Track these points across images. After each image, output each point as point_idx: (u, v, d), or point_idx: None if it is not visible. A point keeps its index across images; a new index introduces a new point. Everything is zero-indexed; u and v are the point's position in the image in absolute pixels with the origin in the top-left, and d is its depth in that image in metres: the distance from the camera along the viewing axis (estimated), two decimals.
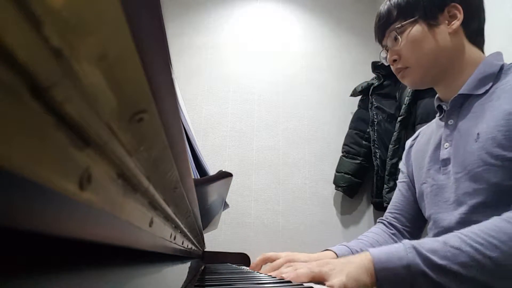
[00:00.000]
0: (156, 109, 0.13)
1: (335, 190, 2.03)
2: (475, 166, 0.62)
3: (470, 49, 0.71)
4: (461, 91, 0.69)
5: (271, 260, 0.78)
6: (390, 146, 1.78)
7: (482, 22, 0.74)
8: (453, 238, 0.53)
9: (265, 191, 2.00)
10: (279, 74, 2.22)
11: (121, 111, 0.11)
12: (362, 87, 2.04)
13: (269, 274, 0.65)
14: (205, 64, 2.18)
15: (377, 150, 1.88)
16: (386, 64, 0.81)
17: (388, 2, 0.76)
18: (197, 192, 0.37)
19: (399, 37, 0.73)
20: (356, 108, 2.09)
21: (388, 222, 0.89)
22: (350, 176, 1.96)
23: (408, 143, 0.91)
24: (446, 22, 0.71)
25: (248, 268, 0.94)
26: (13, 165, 0.07)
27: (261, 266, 0.81)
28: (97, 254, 0.15)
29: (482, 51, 0.74)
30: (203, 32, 2.24)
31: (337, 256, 0.78)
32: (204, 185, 0.56)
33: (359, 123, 2.03)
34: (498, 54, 0.71)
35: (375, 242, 0.84)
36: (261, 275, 0.64)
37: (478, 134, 0.63)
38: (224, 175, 0.58)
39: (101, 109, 0.10)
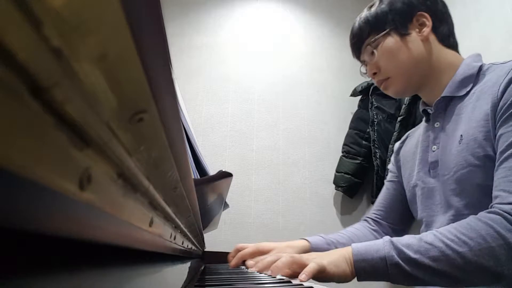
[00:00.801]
0: (156, 109, 0.13)
1: (335, 190, 2.03)
2: (460, 167, 0.64)
3: (445, 52, 0.74)
4: (443, 94, 0.71)
5: (242, 250, 0.81)
6: (390, 146, 1.78)
7: (451, 26, 0.77)
8: (429, 235, 0.56)
9: (265, 191, 2.00)
10: (279, 74, 2.22)
11: (121, 111, 0.11)
12: (362, 87, 2.04)
13: (245, 261, 0.70)
14: (205, 64, 2.18)
15: (377, 150, 1.88)
16: (367, 78, 0.84)
17: (358, 19, 0.80)
18: (197, 192, 0.37)
19: (374, 51, 0.76)
20: (356, 108, 2.09)
21: (371, 219, 0.91)
22: (350, 176, 1.96)
23: (396, 145, 0.93)
24: (417, 30, 0.74)
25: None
26: (13, 165, 0.07)
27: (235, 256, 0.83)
28: (97, 254, 0.15)
29: (457, 52, 0.76)
30: (203, 32, 2.24)
31: (311, 245, 0.81)
32: (204, 185, 0.56)
33: (359, 123, 2.02)
34: (477, 56, 0.72)
35: (353, 236, 0.86)
36: (261, 275, 0.64)
37: (461, 136, 0.65)
38: (224, 175, 0.58)
39: (101, 109, 0.10)
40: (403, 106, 1.73)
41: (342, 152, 2.03)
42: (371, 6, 0.78)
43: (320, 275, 0.57)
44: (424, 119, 0.81)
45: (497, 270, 0.51)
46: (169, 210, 0.26)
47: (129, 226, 0.17)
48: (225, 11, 2.31)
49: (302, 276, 0.55)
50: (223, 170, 0.60)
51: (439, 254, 0.53)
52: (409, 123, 1.72)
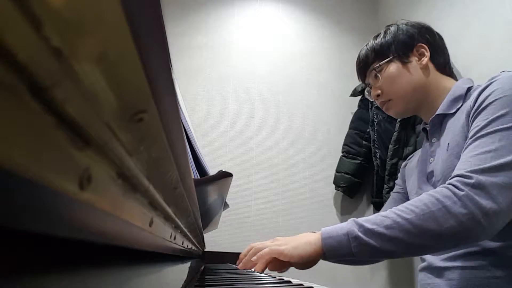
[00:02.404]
0: (156, 109, 0.13)
1: (335, 190, 2.03)
2: (448, 171, 0.72)
3: (442, 79, 0.84)
4: (437, 112, 0.81)
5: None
6: (390, 146, 1.78)
7: (447, 57, 0.88)
8: (387, 211, 0.64)
9: (265, 191, 2.00)
10: (279, 74, 2.22)
11: (121, 111, 0.11)
12: (362, 87, 2.04)
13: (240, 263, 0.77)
14: (205, 64, 2.18)
15: (377, 150, 1.88)
16: (371, 100, 0.94)
17: (365, 47, 0.90)
18: (197, 192, 0.37)
19: (378, 75, 0.86)
20: (356, 108, 2.09)
21: None
22: (350, 176, 1.96)
23: (403, 163, 1.04)
24: (416, 59, 0.84)
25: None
26: (13, 165, 0.07)
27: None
28: (97, 254, 0.15)
29: (454, 78, 0.86)
30: (203, 32, 2.24)
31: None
32: (204, 185, 0.56)
33: (359, 123, 2.02)
34: (467, 80, 0.82)
35: None
36: (261, 275, 0.65)
37: (448, 144, 0.75)
38: (224, 175, 0.58)
39: (101, 109, 0.10)
40: None
41: (342, 152, 2.03)
42: (376, 37, 0.89)
43: (279, 257, 0.67)
44: (425, 137, 0.89)
45: (437, 230, 0.58)
46: (169, 210, 0.26)
47: (129, 226, 0.17)
48: (225, 11, 2.30)
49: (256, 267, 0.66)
50: (223, 170, 0.60)
51: (392, 222, 0.61)
52: (409, 123, 1.72)
